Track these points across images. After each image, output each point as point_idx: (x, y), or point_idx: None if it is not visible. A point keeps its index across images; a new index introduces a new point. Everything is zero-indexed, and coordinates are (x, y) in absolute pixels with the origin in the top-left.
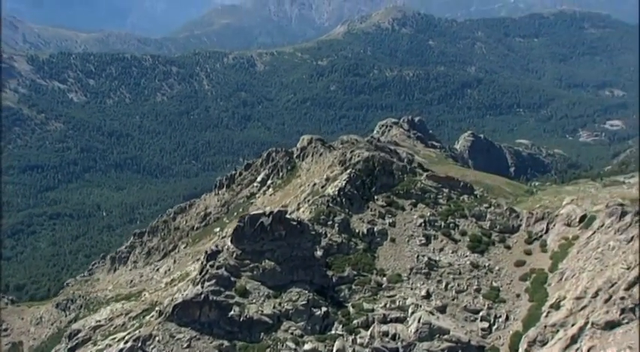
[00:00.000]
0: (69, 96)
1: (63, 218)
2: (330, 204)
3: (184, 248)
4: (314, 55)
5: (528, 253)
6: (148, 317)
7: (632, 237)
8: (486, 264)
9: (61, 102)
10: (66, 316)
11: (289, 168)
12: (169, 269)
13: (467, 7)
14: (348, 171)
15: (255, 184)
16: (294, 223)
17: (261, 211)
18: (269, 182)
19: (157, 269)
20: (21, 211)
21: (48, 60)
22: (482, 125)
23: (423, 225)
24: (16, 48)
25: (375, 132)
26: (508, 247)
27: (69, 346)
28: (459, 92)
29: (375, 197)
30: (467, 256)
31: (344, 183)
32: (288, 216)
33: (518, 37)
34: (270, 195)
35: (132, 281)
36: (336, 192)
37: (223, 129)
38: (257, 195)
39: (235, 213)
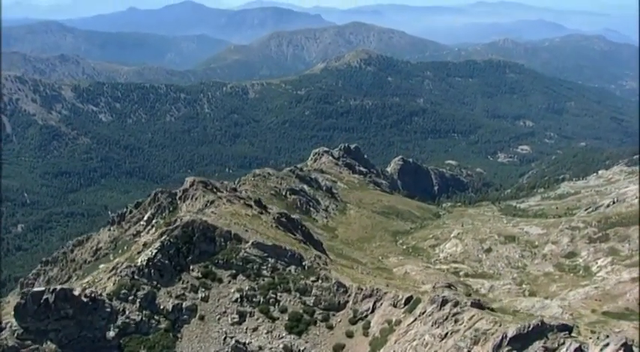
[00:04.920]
0: (99, 116)
1: (76, 216)
2: (136, 276)
3: (75, 280)
4: (295, 86)
5: (350, 335)
6: None
7: (447, 334)
8: (302, 348)
9: (92, 122)
10: None
11: (171, 209)
12: None
13: (422, 52)
14: (162, 238)
15: (141, 223)
16: (85, 300)
17: (43, 288)
18: (154, 221)
19: None
20: (46, 209)
21: (87, 88)
22: (424, 146)
23: (239, 300)
24: (76, 78)
25: (309, 159)
26: (330, 327)
27: None
28: (408, 119)
29: (191, 267)
30: (282, 337)
31: (155, 252)
32: (76, 292)
33: (458, 77)
34: (152, 234)
35: None
36: (145, 263)
37: (216, 145)
38: (142, 234)
39: (120, 251)
